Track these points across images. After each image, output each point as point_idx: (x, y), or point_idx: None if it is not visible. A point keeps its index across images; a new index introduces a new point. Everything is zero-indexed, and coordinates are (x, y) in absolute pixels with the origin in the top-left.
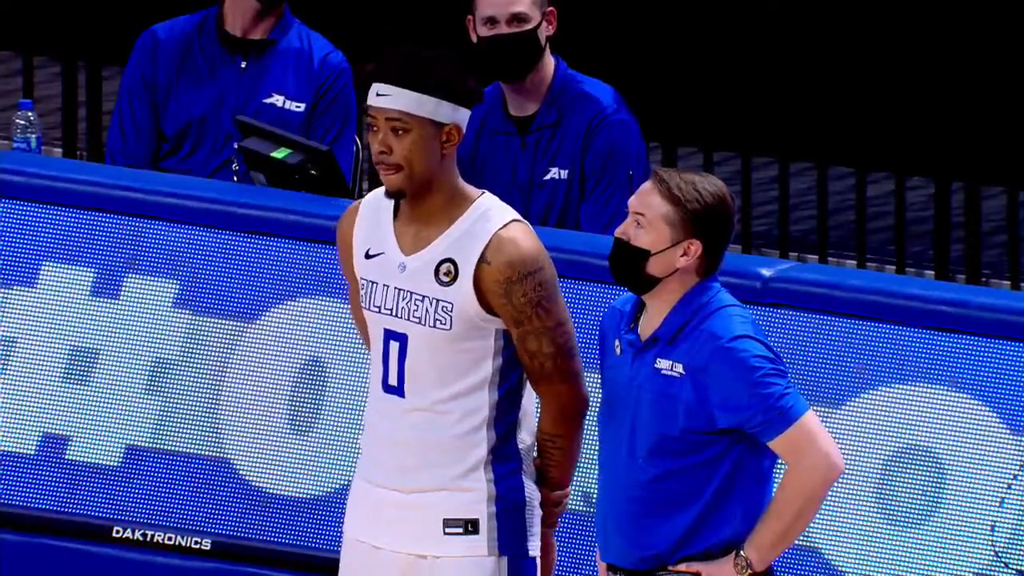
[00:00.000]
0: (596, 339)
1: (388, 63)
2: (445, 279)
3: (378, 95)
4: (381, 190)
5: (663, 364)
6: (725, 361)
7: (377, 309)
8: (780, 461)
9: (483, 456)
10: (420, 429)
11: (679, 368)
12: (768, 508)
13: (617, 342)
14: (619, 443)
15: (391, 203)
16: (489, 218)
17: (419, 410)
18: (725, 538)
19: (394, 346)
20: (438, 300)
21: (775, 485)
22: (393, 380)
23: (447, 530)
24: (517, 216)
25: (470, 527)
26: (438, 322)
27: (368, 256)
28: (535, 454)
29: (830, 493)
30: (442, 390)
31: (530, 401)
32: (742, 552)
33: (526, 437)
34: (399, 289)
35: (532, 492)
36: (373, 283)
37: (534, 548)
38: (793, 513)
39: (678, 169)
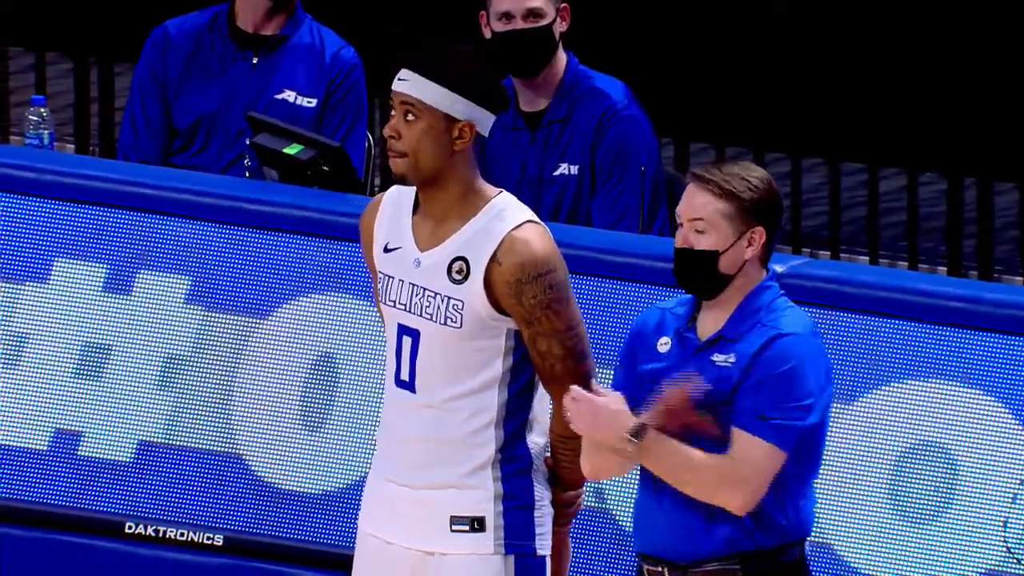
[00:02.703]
0: (609, 336)
1: (417, 52)
2: (457, 277)
3: (398, 79)
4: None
5: (719, 358)
6: (775, 348)
7: (392, 304)
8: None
9: (491, 455)
10: (430, 426)
11: (732, 359)
12: (690, 451)
13: (666, 339)
14: None
15: (412, 198)
16: (504, 218)
17: (430, 407)
18: (779, 536)
19: (407, 342)
20: (450, 298)
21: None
22: (405, 375)
23: (454, 527)
24: (533, 217)
25: (476, 525)
26: (449, 320)
27: (387, 250)
28: (547, 454)
29: (842, 488)
30: (452, 388)
31: (542, 401)
32: (642, 423)
33: (538, 438)
34: (413, 285)
35: (542, 492)
36: (390, 277)
37: (543, 547)
38: (686, 476)
39: (715, 164)
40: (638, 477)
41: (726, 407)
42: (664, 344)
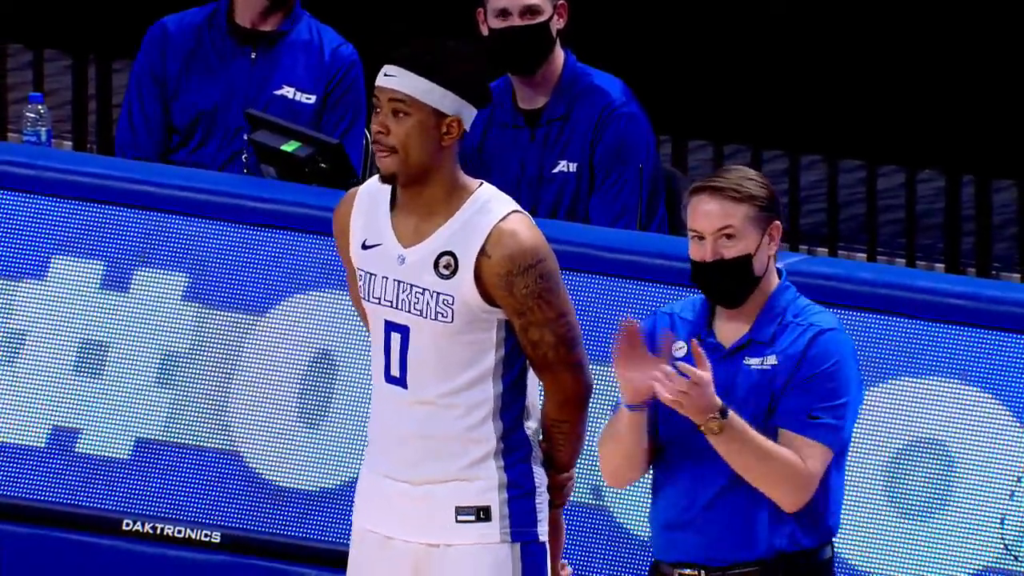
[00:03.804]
0: (603, 329)
1: (405, 48)
2: (445, 272)
3: (385, 75)
4: (377, 179)
5: (753, 361)
6: (820, 345)
7: (377, 300)
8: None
9: (492, 446)
10: (424, 423)
11: (772, 360)
12: (764, 440)
13: (681, 344)
14: (699, 442)
15: (388, 193)
16: (489, 210)
17: (424, 403)
18: (821, 530)
19: (395, 338)
20: (439, 293)
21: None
22: (395, 371)
23: (459, 517)
24: (517, 207)
25: (482, 514)
26: (440, 315)
27: (365, 247)
28: (541, 438)
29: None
30: (445, 383)
31: (535, 387)
32: (728, 412)
33: (532, 423)
34: (399, 281)
35: (541, 478)
36: (372, 275)
37: (543, 533)
38: (753, 463)
39: (712, 175)
40: (652, 485)
41: (771, 411)
42: (680, 349)
